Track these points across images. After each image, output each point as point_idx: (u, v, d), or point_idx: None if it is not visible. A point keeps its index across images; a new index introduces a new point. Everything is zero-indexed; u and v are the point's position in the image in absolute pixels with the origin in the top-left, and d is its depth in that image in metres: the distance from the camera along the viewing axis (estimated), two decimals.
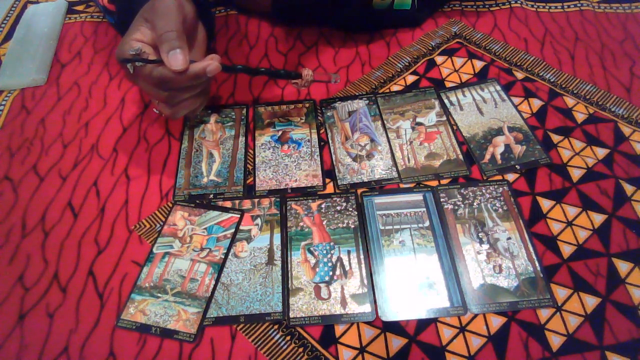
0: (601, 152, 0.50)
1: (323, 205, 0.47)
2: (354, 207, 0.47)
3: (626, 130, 0.52)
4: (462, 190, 0.48)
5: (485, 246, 0.44)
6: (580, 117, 0.54)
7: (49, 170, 0.52)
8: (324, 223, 0.46)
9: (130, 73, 0.43)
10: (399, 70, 0.60)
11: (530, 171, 0.49)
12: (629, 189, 0.47)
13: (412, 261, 0.43)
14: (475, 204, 0.47)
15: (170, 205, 0.48)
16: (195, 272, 0.43)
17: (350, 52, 0.63)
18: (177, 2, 0.44)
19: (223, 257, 0.44)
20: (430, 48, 0.63)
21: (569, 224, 0.45)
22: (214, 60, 0.44)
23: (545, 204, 0.47)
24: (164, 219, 0.47)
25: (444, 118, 0.54)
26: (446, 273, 0.42)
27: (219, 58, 0.45)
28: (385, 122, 0.54)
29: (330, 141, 0.53)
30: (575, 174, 0.49)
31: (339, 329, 0.40)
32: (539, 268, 0.42)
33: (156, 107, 0.48)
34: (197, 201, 0.48)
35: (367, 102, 0.56)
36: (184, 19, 0.44)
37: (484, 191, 0.48)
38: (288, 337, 0.40)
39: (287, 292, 0.42)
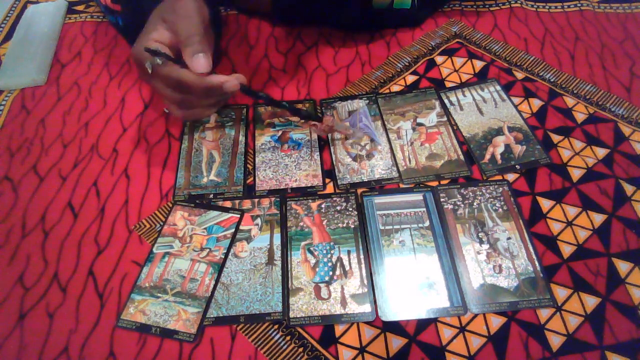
0: (601, 152, 0.50)
1: (323, 205, 0.47)
2: (354, 207, 0.47)
3: (626, 130, 0.52)
4: (462, 190, 0.48)
5: (485, 246, 0.44)
6: (580, 117, 0.54)
7: (49, 170, 0.52)
8: (324, 223, 0.46)
9: (148, 72, 0.43)
10: (399, 70, 0.60)
11: (530, 171, 0.49)
12: (629, 189, 0.47)
13: (412, 261, 0.43)
14: (475, 204, 0.47)
15: (170, 205, 0.48)
16: (195, 272, 0.43)
17: (350, 52, 0.63)
18: (198, 4, 0.44)
19: (223, 257, 0.44)
20: (430, 48, 0.63)
21: (569, 224, 0.45)
22: (235, 79, 0.43)
23: (545, 204, 0.47)
24: (164, 219, 0.47)
25: (445, 118, 0.54)
26: (446, 273, 0.42)
27: (243, 78, 0.44)
28: (385, 122, 0.54)
29: (330, 141, 0.53)
30: (575, 174, 0.49)
31: (339, 329, 0.40)
32: (539, 268, 0.42)
33: (167, 107, 0.47)
34: (197, 201, 0.48)
35: (367, 101, 0.56)
36: (203, 22, 0.44)
37: (484, 191, 0.48)
38: (288, 337, 0.40)
39: (287, 292, 0.42)
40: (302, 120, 0.54)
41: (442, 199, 0.47)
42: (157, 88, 0.45)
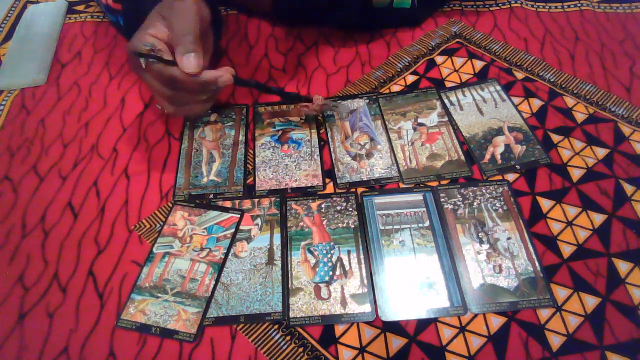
0: (601, 152, 0.50)
1: (323, 205, 0.47)
2: (354, 207, 0.47)
3: (626, 130, 0.52)
4: (462, 190, 0.48)
5: (485, 246, 0.44)
6: (580, 117, 0.54)
7: (49, 170, 0.52)
8: (324, 223, 0.46)
9: (141, 67, 0.43)
10: (399, 70, 0.60)
11: (530, 171, 0.49)
12: (629, 189, 0.47)
13: (412, 261, 0.43)
14: (475, 204, 0.47)
15: (170, 205, 0.48)
16: (195, 272, 0.43)
17: (350, 52, 0.63)
18: (197, 4, 0.44)
19: (223, 257, 0.44)
20: (430, 48, 0.63)
21: (569, 224, 0.45)
22: (227, 72, 0.44)
23: (545, 204, 0.47)
24: (164, 219, 0.47)
25: (446, 118, 0.54)
26: (446, 273, 0.42)
27: (232, 70, 0.45)
28: (386, 122, 0.54)
29: (330, 140, 0.53)
30: (575, 174, 0.49)
31: (339, 329, 0.40)
32: (539, 268, 0.42)
33: (159, 103, 0.48)
34: (197, 201, 0.48)
35: (367, 101, 0.56)
36: (200, 22, 0.44)
37: (484, 191, 0.48)
38: (288, 337, 0.40)
39: (287, 292, 0.42)
40: (297, 104, 0.55)
41: (442, 199, 0.47)
42: (149, 84, 0.45)
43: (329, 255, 0.44)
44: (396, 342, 0.39)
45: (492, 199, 0.47)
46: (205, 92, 0.47)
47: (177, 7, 0.43)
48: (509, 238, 0.44)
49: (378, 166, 0.50)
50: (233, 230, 0.46)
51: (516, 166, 0.49)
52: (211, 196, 0.49)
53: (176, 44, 0.42)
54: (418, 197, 0.48)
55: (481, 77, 0.59)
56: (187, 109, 0.48)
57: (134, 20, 0.46)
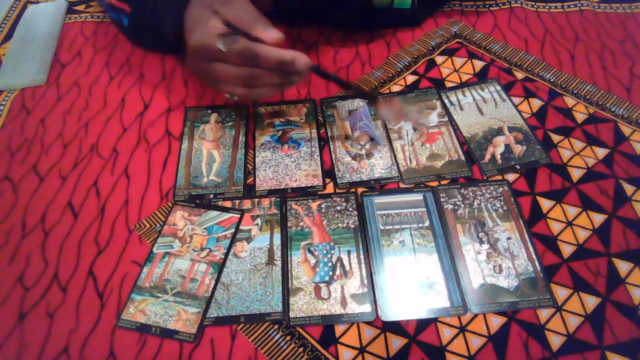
0: (601, 152, 0.50)
1: (323, 205, 0.47)
2: (354, 207, 0.47)
3: (626, 130, 0.52)
4: (462, 190, 0.48)
5: (485, 246, 0.44)
6: (580, 117, 0.54)
7: (49, 170, 0.52)
8: (324, 223, 0.46)
9: (220, 51, 0.44)
10: (399, 70, 0.60)
11: (530, 171, 0.49)
12: (629, 189, 0.47)
13: (412, 261, 0.43)
14: (475, 204, 0.47)
15: (170, 205, 0.48)
16: (195, 272, 0.43)
17: (350, 52, 0.63)
18: None
19: (223, 257, 0.44)
20: (430, 48, 0.63)
21: (569, 224, 0.45)
22: (303, 57, 0.45)
23: (545, 204, 0.47)
24: (164, 219, 0.47)
25: (446, 119, 0.54)
26: (446, 273, 0.42)
27: (309, 59, 0.45)
28: (387, 122, 0.54)
29: (330, 140, 0.53)
30: (575, 174, 0.49)
31: (339, 329, 0.40)
32: (539, 268, 0.42)
33: (230, 91, 0.47)
34: (197, 201, 0.48)
35: (367, 100, 0.56)
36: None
37: (484, 191, 0.48)
38: (288, 337, 0.40)
39: (287, 292, 0.42)
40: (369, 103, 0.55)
41: (442, 199, 0.47)
42: (223, 71, 0.45)
43: (329, 255, 0.44)
44: (396, 342, 0.39)
45: (492, 199, 0.47)
46: (281, 75, 0.47)
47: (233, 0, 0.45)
48: (509, 238, 0.44)
49: (378, 166, 0.50)
50: (233, 230, 0.46)
51: (516, 166, 0.49)
52: (211, 196, 0.49)
53: (253, 25, 0.44)
54: (418, 197, 0.48)
55: (481, 77, 0.59)
56: (261, 92, 0.48)
57: (143, 21, 0.46)
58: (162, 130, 0.55)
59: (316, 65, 0.46)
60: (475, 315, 0.40)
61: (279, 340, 0.39)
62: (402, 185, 0.49)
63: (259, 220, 0.47)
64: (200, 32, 0.45)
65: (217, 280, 0.43)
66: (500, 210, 0.46)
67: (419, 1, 0.62)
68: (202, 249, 0.45)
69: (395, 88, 0.58)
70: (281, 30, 0.45)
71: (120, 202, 0.49)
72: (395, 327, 0.40)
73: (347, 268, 0.43)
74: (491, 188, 0.48)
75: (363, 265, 0.43)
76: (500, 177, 0.49)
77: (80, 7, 0.71)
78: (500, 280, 0.42)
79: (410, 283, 0.42)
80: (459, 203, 0.47)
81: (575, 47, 0.62)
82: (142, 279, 0.43)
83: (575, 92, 0.56)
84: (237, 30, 0.44)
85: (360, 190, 0.48)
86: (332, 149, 0.52)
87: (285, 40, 0.44)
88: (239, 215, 0.47)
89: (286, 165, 0.51)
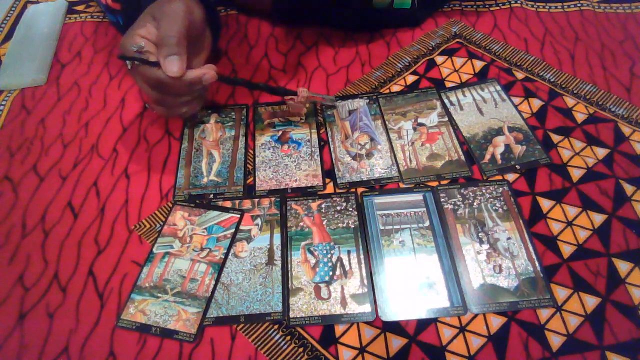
0: (601, 152, 0.50)
1: (323, 205, 0.47)
2: (354, 207, 0.47)
3: (626, 130, 0.52)
4: (462, 190, 0.48)
5: (485, 246, 0.44)
6: (580, 117, 0.54)
7: (49, 170, 0.52)
8: (324, 223, 0.46)
9: (129, 69, 0.44)
10: (399, 70, 0.60)
11: (530, 171, 0.49)
12: (629, 189, 0.47)
13: (412, 261, 0.43)
14: (475, 204, 0.47)
15: (170, 205, 0.48)
16: (195, 272, 0.43)
17: (350, 52, 0.63)
18: (186, 7, 0.44)
19: (223, 257, 0.44)
20: (430, 48, 0.63)
21: (569, 224, 0.45)
22: (211, 70, 0.45)
23: (545, 204, 0.47)
24: (164, 219, 0.47)
25: (446, 118, 0.54)
26: (446, 273, 0.42)
27: (215, 68, 0.46)
28: (386, 122, 0.54)
29: (330, 140, 0.53)
30: (575, 174, 0.49)
31: (339, 329, 0.40)
32: (539, 268, 0.42)
33: (148, 103, 0.48)
34: (197, 201, 0.48)
35: (367, 100, 0.56)
36: (190, 25, 0.44)
37: (484, 191, 0.48)
38: (288, 337, 0.40)
39: (287, 292, 0.42)
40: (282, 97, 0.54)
41: (442, 199, 0.47)
42: (139, 85, 0.46)
43: (329, 256, 0.44)
44: (396, 342, 0.39)
45: (492, 199, 0.47)
46: (191, 93, 0.47)
47: (166, 9, 0.43)
48: (509, 238, 0.44)
49: (378, 166, 0.50)
50: (233, 230, 0.46)
51: (516, 166, 0.49)
52: (211, 196, 0.49)
53: (160, 46, 0.42)
54: (418, 197, 0.48)
55: (481, 77, 0.59)
56: (175, 111, 0.48)
57: (132, 19, 0.46)
58: (162, 130, 0.55)
59: (221, 75, 0.46)
60: (475, 315, 0.40)
61: (279, 340, 0.39)
62: (402, 185, 0.49)
63: (259, 220, 0.47)
64: (125, 37, 0.44)
65: (217, 280, 0.43)
66: (500, 210, 0.46)
67: (418, 1, 0.62)
68: (202, 249, 0.45)
69: (395, 88, 0.58)
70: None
71: (120, 202, 0.49)
72: (395, 327, 0.40)
73: (347, 268, 0.43)
74: (491, 188, 0.48)
75: (363, 265, 0.43)
76: (500, 177, 0.49)
77: (80, 7, 0.71)
78: (500, 280, 0.42)
79: (410, 283, 0.42)
80: (459, 203, 0.47)
81: (575, 47, 0.62)
82: (142, 279, 0.43)
83: (575, 92, 0.56)
84: (140, 60, 0.42)
85: (360, 190, 0.48)
86: (332, 149, 0.52)
87: (185, 71, 0.43)
88: (239, 215, 0.47)
89: (286, 165, 0.51)
